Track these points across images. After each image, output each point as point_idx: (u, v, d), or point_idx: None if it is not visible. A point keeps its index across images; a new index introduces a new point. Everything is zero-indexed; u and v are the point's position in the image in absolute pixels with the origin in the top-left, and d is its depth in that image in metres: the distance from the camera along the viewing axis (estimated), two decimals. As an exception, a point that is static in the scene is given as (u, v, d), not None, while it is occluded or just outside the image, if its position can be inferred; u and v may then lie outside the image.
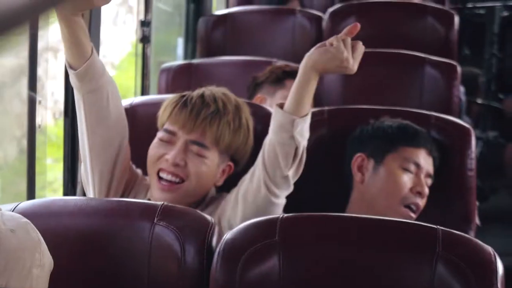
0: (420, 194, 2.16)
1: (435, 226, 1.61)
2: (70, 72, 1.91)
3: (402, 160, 2.17)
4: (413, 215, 2.15)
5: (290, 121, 1.94)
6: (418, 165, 2.18)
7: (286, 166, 1.97)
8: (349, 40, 1.98)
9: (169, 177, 2.02)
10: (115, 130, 1.99)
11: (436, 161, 2.23)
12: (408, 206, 2.15)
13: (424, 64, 2.98)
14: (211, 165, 2.05)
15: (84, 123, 1.96)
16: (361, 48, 2.00)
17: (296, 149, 1.97)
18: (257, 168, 2.02)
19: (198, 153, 2.03)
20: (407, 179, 2.16)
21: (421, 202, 2.17)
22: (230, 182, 2.11)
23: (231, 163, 2.10)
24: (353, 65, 1.99)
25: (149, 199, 2.05)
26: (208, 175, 2.05)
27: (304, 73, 1.96)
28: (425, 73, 2.97)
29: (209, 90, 2.12)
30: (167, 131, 2.06)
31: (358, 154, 2.21)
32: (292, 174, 1.99)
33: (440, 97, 2.95)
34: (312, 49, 1.99)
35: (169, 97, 2.16)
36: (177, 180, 2.02)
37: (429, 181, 2.20)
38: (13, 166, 2.39)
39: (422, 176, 2.18)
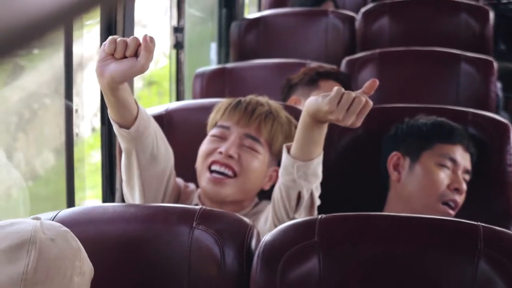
0: (458, 190, 2.14)
1: (476, 223, 1.59)
2: (120, 130, 1.85)
3: (438, 157, 2.16)
4: (451, 212, 2.13)
5: (292, 164, 1.89)
6: (454, 162, 2.16)
7: (291, 210, 1.92)
8: (359, 97, 1.83)
9: (222, 169, 2.01)
10: (164, 162, 1.97)
11: (474, 157, 2.20)
12: (446, 203, 2.14)
13: (460, 61, 2.96)
14: (262, 163, 2.05)
15: (135, 164, 1.92)
16: (368, 105, 1.83)
17: (300, 193, 1.91)
18: (269, 206, 2.01)
19: (251, 147, 2.03)
20: (444, 176, 2.14)
21: (459, 198, 2.15)
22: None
23: (278, 169, 2.06)
24: (356, 120, 1.82)
25: (196, 205, 2.05)
26: (259, 172, 2.04)
27: (303, 117, 1.87)
28: (461, 69, 2.94)
29: (264, 99, 2.14)
30: (221, 126, 2.07)
31: (394, 153, 2.20)
32: (302, 217, 1.90)
33: (476, 94, 2.92)
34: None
35: (204, 101, 2.17)
36: (230, 173, 2.02)
37: (467, 177, 2.18)
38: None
39: (459, 172, 2.16)
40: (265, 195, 2.14)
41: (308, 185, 1.91)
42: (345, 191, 2.27)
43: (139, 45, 1.67)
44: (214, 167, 2.02)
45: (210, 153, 2.03)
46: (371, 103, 1.83)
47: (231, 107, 2.07)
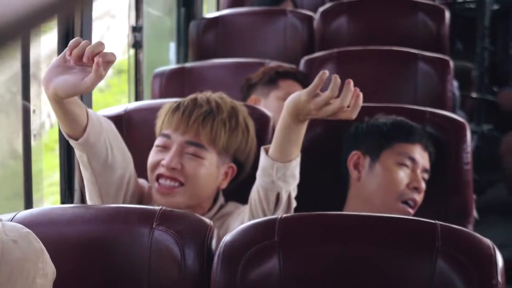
0: (417, 189, 2.16)
1: (434, 221, 1.61)
2: (69, 140, 1.84)
3: (398, 156, 2.18)
4: (411, 210, 2.16)
5: (271, 166, 1.89)
6: (414, 161, 2.18)
7: (269, 211, 1.92)
8: (346, 87, 1.87)
9: (167, 182, 2.00)
10: (122, 169, 1.96)
11: (432, 156, 2.23)
12: (405, 202, 2.16)
13: (417, 60, 2.98)
14: (209, 166, 2.03)
15: (89, 171, 1.91)
16: (360, 98, 1.87)
17: (278, 194, 1.91)
18: (246, 208, 2.01)
19: (194, 153, 2.01)
20: (403, 175, 2.17)
21: (418, 197, 2.17)
22: (242, 188, 2.09)
23: (233, 165, 2.08)
24: (351, 112, 1.86)
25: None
26: (207, 176, 2.03)
27: (282, 117, 1.88)
28: (418, 69, 2.97)
29: (204, 94, 2.11)
30: (163, 135, 2.05)
31: (354, 152, 2.22)
32: None
33: (434, 92, 2.95)
34: (296, 92, 1.90)
35: (163, 101, 2.16)
36: (176, 184, 2.01)
37: (426, 176, 2.21)
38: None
39: (419, 171, 2.18)
40: (232, 195, 2.14)
41: (287, 187, 1.92)
42: (306, 190, 2.28)
43: (97, 53, 1.63)
44: (160, 181, 2.02)
45: (155, 166, 2.03)
46: (361, 94, 1.87)
47: (169, 113, 2.05)
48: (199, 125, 2.02)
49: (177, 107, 2.05)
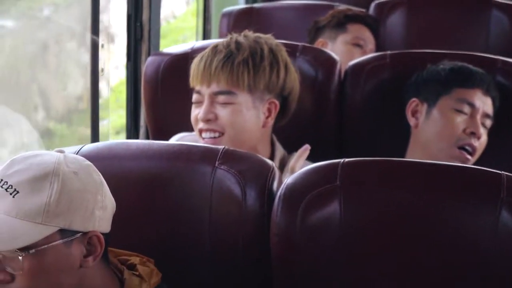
0: (474, 134, 2.11)
1: (500, 172, 1.58)
2: None
3: (455, 102, 2.14)
4: (469, 157, 2.11)
5: None
6: (473, 106, 2.14)
7: None
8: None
9: (207, 134, 2.02)
10: None
11: (496, 101, 2.18)
12: (462, 148, 2.12)
13: (491, 7, 2.91)
14: (244, 109, 2.02)
15: None
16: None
17: None
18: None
19: (225, 101, 2.01)
20: (460, 120, 2.12)
21: (477, 143, 2.12)
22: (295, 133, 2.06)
23: (274, 100, 2.05)
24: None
25: None
26: (245, 120, 2.02)
27: None
28: (491, 15, 2.90)
29: (230, 37, 2.07)
30: (195, 92, 2.05)
31: (413, 99, 2.19)
32: None
33: (508, 41, 2.88)
34: None
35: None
36: (216, 134, 2.02)
37: (488, 122, 2.15)
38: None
39: (478, 116, 2.13)
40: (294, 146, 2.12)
41: None
42: (370, 135, 2.26)
43: None
44: (203, 135, 2.03)
45: (195, 122, 2.05)
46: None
47: (194, 69, 2.05)
48: (220, 72, 2.00)
49: (200, 60, 2.04)
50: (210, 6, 3.32)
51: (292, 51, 2.25)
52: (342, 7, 2.97)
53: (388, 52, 2.37)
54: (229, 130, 2.01)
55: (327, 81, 2.23)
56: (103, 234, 1.48)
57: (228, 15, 3.02)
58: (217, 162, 1.66)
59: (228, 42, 2.04)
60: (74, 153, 1.66)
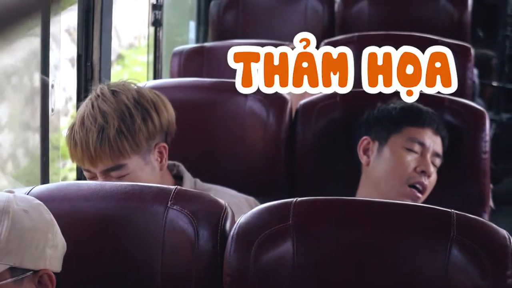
0: (424, 173, 2.14)
1: (450, 210, 1.60)
2: None
3: (406, 141, 2.17)
4: (419, 195, 2.14)
5: None
6: (423, 145, 2.17)
7: None
8: None
9: None
10: None
11: (446, 140, 2.21)
12: (413, 186, 2.14)
13: (437, 46, 2.96)
14: (138, 173, 1.97)
15: None
16: None
17: None
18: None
19: (118, 175, 1.95)
20: (410, 159, 2.15)
21: (427, 181, 2.15)
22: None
23: (159, 143, 2.00)
24: None
25: None
26: (144, 179, 1.95)
27: None
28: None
29: (91, 104, 1.98)
30: (86, 171, 1.98)
31: (364, 137, 2.22)
32: None
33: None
34: None
35: (182, 80, 2.16)
36: None
37: (438, 161, 2.18)
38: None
39: (428, 155, 2.16)
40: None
41: None
42: (321, 173, 2.28)
43: None
44: None
45: None
46: None
47: (71, 151, 1.97)
48: (100, 153, 1.93)
49: (74, 142, 1.95)
50: (160, 45, 3.32)
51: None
52: (292, 45, 2.99)
53: (338, 92, 2.39)
54: None
55: (278, 120, 2.25)
56: (54, 273, 1.47)
57: (179, 54, 3.02)
58: (169, 202, 1.66)
59: (93, 115, 1.95)
60: (24, 194, 1.65)
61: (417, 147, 2.16)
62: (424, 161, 2.15)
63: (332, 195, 1.75)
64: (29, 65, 2.25)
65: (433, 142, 2.18)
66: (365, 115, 2.24)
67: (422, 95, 2.36)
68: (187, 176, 2.10)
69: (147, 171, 1.99)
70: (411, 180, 2.14)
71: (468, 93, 2.91)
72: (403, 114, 2.19)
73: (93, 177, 1.97)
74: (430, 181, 2.16)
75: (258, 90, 2.31)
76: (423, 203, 2.11)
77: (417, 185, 2.14)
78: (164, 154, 2.02)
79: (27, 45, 2.17)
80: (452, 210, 1.60)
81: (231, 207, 1.70)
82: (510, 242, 1.56)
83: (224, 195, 1.91)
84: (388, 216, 1.62)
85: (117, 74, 5.13)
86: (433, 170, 2.16)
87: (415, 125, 2.18)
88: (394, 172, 2.14)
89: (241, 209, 1.92)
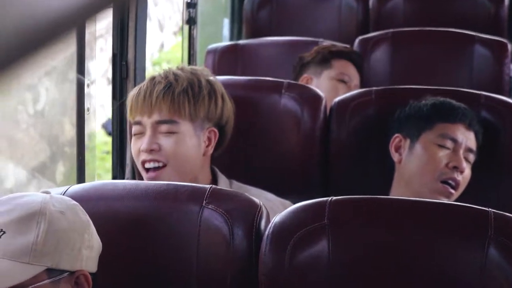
0: (457, 168, 2.11)
1: (487, 209, 1.59)
2: None
3: (437, 137, 2.14)
4: (452, 191, 2.11)
5: None
6: (455, 141, 2.14)
7: None
8: None
9: (151, 164, 1.99)
10: None
11: (479, 135, 2.18)
12: (445, 182, 2.11)
13: (474, 43, 2.94)
14: (186, 138, 2.02)
15: None
16: None
17: None
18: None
19: (167, 131, 2.00)
20: (442, 155, 2.12)
21: (460, 177, 2.12)
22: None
23: (213, 129, 2.05)
24: None
25: None
26: (188, 149, 2.01)
27: None
28: (475, 51, 2.92)
29: (164, 70, 2.09)
30: (135, 123, 2.04)
31: (396, 135, 2.20)
32: None
33: (490, 76, 2.91)
34: None
35: (216, 78, 2.16)
36: (160, 164, 2.00)
37: (471, 157, 2.16)
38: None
39: (461, 151, 2.13)
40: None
41: None
42: (356, 171, 2.27)
43: None
44: (146, 166, 2.01)
45: (137, 154, 2.02)
46: None
47: (133, 100, 2.04)
48: (161, 102, 2.00)
49: (138, 92, 2.04)
50: (195, 43, 3.33)
51: (277, 88, 2.26)
52: (327, 43, 2.99)
53: (373, 88, 2.38)
54: (172, 161, 2.00)
55: (312, 118, 2.24)
56: (90, 273, 1.48)
57: (213, 52, 3.03)
58: (204, 202, 1.66)
59: (165, 74, 2.05)
60: (60, 194, 1.66)
61: (449, 143, 2.14)
62: (456, 156, 2.12)
63: (367, 193, 1.74)
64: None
65: (466, 138, 2.15)
66: (396, 113, 2.23)
67: (458, 92, 2.34)
68: (222, 177, 2.11)
69: (193, 143, 2.03)
70: (443, 176, 2.12)
71: (505, 89, 2.88)
72: (434, 110, 2.17)
73: (141, 133, 2.02)
74: (464, 177, 2.13)
75: (293, 87, 2.30)
76: (458, 200, 2.09)
77: (450, 181, 2.11)
78: (213, 141, 2.06)
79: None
80: (489, 209, 1.59)
81: None
82: (548, 241, 1.54)
83: (260, 198, 1.93)
84: (423, 215, 1.61)
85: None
86: (465, 166, 2.13)
87: (447, 121, 2.16)
88: (426, 168, 2.13)
89: (276, 213, 1.93)
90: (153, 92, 2.01)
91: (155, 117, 2.00)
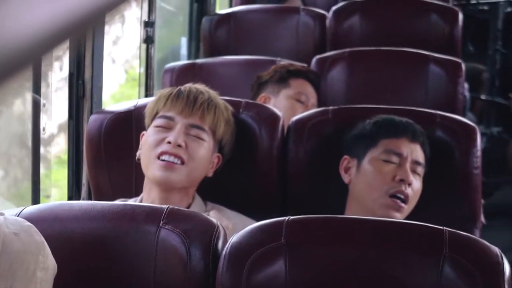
0: (404, 181, 2.12)
1: (441, 227, 1.60)
2: None
3: (382, 153, 2.16)
4: (402, 204, 2.11)
5: None
6: (400, 155, 2.15)
7: None
8: None
9: (171, 158, 2.03)
10: None
11: (426, 146, 2.19)
12: (394, 196, 2.12)
13: (429, 62, 2.97)
14: (208, 150, 2.08)
15: None
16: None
17: None
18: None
19: (197, 135, 2.06)
20: (388, 170, 2.14)
21: (409, 190, 2.12)
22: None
23: (219, 155, 2.14)
24: None
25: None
26: (205, 159, 2.08)
27: None
28: (429, 71, 2.96)
29: (200, 84, 2.17)
30: (165, 117, 2.08)
31: (344, 157, 2.22)
32: None
33: (445, 95, 2.94)
34: None
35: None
36: (179, 161, 2.03)
37: (420, 169, 2.16)
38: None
39: (407, 164, 2.14)
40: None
41: None
42: (313, 190, 2.28)
43: None
44: (163, 157, 2.03)
45: (158, 143, 2.05)
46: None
47: (173, 97, 2.09)
48: (204, 110, 2.08)
49: (180, 92, 2.10)
50: (152, 62, 3.32)
51: (235, 107, 2.27)
52: (284, 62, 3.00)
53: (330, 107, 2.40)
54: (191, 163, 2.04)
55: (270, 137, 2.25)
56: (44, 296, 1.47)
57: (171, 71, 3.02)
58: (161, 222, 1.66)
59: (205, 88, 2.13)
60: (14, 215, 1.64)
61: (394, 158, 2.16)
62: (402, 170, 2.13)
63: (325, 213, 1.75)
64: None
65: (411, 150, 2.17)
66: (344, 135, 2.25)
67: (414, 111, 2.37)
68: (197, 198, 2.14)
69: (208, 157, 2.10)
70: (392, 190, 2.13)
71: (459, 108, 2.92)
72: (377, 127, 2.19)
73: (167, 127, 2.06)
74: (414, 190, 2.14)
75: (250, 106, 2.31)
76: (413, 218, 2.10)
77: (399, 194, 2.12)
78: (216, 164, 2.14)
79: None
80: (444, 228, 1.60)
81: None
82: (502, 260, 1.56)
83: (234, 219, 1.96)
84: (379, 234, 1.62)
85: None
86: (413, 178, 2.14)
87: (390, 136, 2.18)
88: (374, 184, 2.14)
89: None
90: (197, 96, 2.08)
91: (192, 120, 2.07)
